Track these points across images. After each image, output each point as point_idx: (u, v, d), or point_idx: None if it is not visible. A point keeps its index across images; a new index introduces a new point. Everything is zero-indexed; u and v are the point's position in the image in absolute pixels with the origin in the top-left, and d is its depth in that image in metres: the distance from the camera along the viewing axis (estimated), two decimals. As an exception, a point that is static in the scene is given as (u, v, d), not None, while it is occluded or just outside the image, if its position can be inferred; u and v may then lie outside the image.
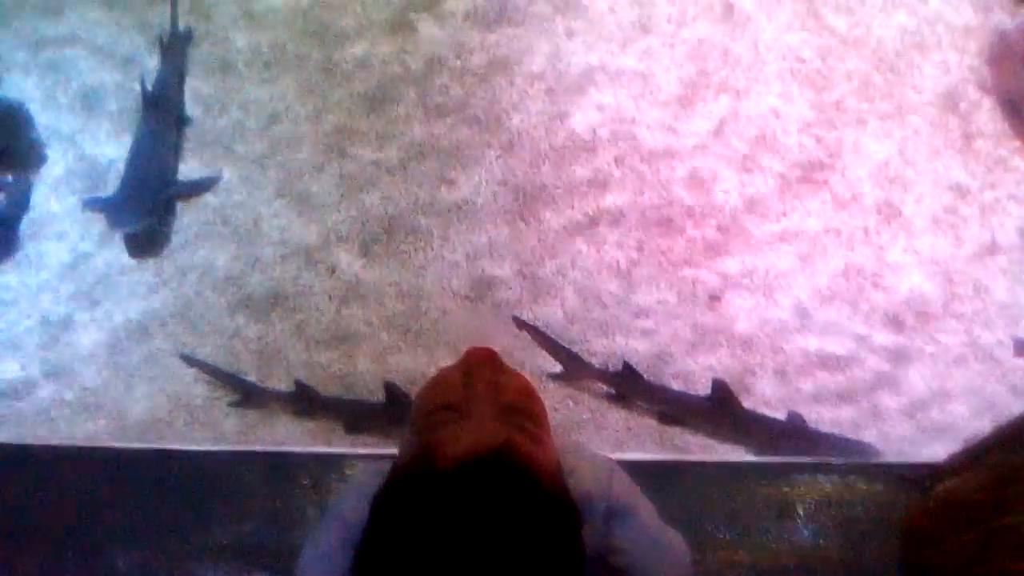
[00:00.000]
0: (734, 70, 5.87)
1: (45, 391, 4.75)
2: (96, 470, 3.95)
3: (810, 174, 5.34)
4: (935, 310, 4.71)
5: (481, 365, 1.79)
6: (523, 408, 1.70)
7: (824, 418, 4.39)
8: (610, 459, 2.12)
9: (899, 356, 4.58)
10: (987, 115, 5.45)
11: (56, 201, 5.36)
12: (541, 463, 1.58)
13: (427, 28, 6.16)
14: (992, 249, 4.91)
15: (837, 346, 4.64)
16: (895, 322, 4.69)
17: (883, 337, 4.64)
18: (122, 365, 4.80)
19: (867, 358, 4.58)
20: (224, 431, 4.59)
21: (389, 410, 4.42)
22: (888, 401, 4.43)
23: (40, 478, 3.90)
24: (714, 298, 4.89)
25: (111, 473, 3.91)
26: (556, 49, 6.07)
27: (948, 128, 5.43)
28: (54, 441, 4.39)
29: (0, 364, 4.84)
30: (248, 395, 4.68)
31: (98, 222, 5.26)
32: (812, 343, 4.67)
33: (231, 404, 4.67)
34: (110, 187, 5.42)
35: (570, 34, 6.16)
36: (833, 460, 3.76)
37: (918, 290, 4.80)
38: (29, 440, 4.42)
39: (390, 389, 4.42)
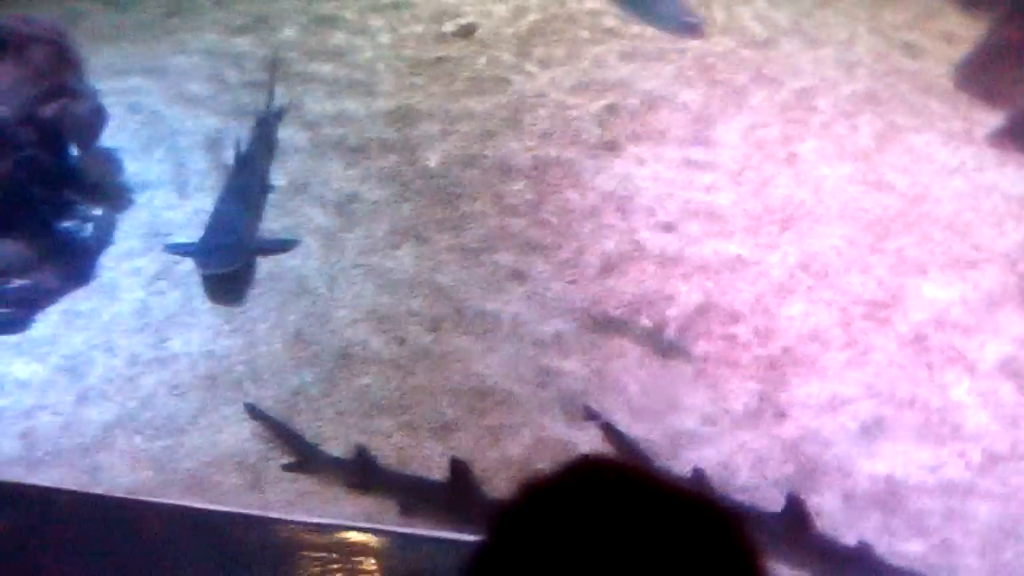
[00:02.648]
0: (798, 211, 6.13)
1: (96, 428, 4.63)
2: (138, 524, 3.82)
3: (873, 312, 5.47)
4: (1003, 450, 4.71)
5: None
6: None
7: (893, 550, 4.29)
8: None
9: (968, 492, 4.54)
10: (1043, 278, 5.66)
11: (139, 241, 5.44)
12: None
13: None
14: (1056, 400, 4.97)
15: (906, 476, 4.60)
16: (964, 458, 4.68)
17: (953, 471, 4.62)
18: (180, 410, 4.71)
19: (936, 491, 4.53)
20: (273, 496, 4.43)
21: (452, 491, 4.25)
22: (958, 538, 4.35)
23: (67, 527, 3.75)
24: (780, 415, 4.89)
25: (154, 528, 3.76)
26: (628, 173, 6.35)
27: (1007, 286, 5.61)
28: (96, 489, 4.26)
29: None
30: (305, 458, 4.54)
31: (175, 264, 5.32)
32: (879, 469, 4.63)
33: (285, 468, 4.53)
34: (188, 237, 5.53)
35: (641, 162, 6.48)
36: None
37: (984, 430, 4.81)
38: (68, 485, 4.28)
39: (457, 467, 4.24)
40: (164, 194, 5.78)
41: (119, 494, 4.21)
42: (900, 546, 4.32)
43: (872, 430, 4.82)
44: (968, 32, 7.82)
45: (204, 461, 4.50)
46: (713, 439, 4.74)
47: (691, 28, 5.55)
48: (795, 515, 4.19)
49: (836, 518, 4.44)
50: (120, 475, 4.44)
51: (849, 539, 4.24)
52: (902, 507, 4.48)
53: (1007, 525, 4.40)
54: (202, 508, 4.15)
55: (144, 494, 4.32)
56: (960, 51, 7.61)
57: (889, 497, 4.53)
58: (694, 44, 7.53)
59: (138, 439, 4.55)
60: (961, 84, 7.28)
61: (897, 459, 4.68)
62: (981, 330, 5.36)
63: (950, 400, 4.97)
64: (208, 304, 5.16)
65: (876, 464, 4.66)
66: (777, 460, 4.68)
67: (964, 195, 6.24)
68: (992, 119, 6.87)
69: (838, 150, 6.62)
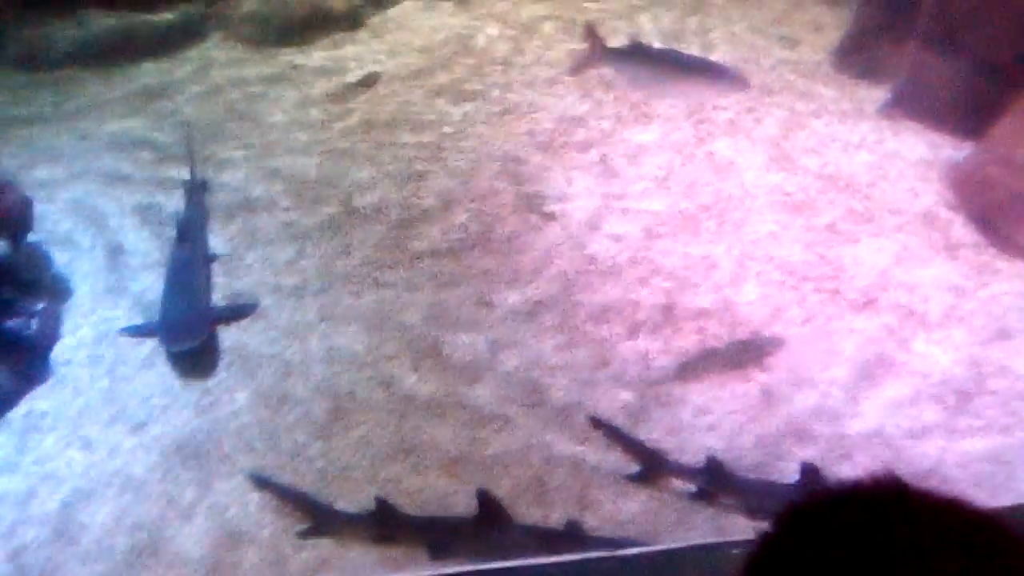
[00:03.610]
0: (729, 204, 6.42)
1: (92, 532, 4.32)
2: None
3: (821, 285, 5.77)
4: (972, 389, 5.04)
5: None
6: None
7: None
8: None
9: (951, 431, 4.84)
10: (962, 229, 6.12)
11: (89, 329, 5.15)
12: None
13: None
14: (1002, 335, 5.36)
15: (893, 428, 4.86)
16: (939, 401, 4.98)
17: (931, 415, 4.91)
18: (176, 496, 4.46)
19: (927, 435, 4.81)
20: (296, 568, 4.25)
21: (481, 524, 4.19)
22: (954, 472, 4.62)
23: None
24: (767, 394, 5.08)
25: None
26: (562, 193, 6.51)
27: (932, 241, 6.04)
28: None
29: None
30: (321, 520, 4.38)
31: (134, 347, 5.07)
32: (869, 424, 4.88)
33: (300, 534, 4.35)
34: (140, 318, 5.29)
35: (569, 181, 6.65)
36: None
37: (950, 373, 5.15)
38: None
39: (483, 498, 4.20)
40: (104, 278, 5.51)
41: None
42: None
43: (853, 391, 5.07)
44: (832, 19, 8.46)
45: (215, 544, 4.27)
46: (714, 426, 4.88)
47: (743, 82, 5.05)
48: (811, 482, 4.35)
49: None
50: (127, 576, 4.16)
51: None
52: (898, 459, 4.73)
53: (995, 454, 4.71)
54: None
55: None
56: (830, 38, 8.21)
57: (884, 449, 4.77)
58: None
59: (141, 535, 4.28)
60: (840, 67, 7.85)
61: (882, 413, 4.95)
62: (921, 284, 5.74)
63: (913, 352, 5.29)
64: (179, 381, 4.93)
65: (865, 421, 4.90)
66: (775, 435, 4.85)
67: (872, 166, 6.70)
68: (876, 95, 7.43)
69: (749, 143, 7.00)
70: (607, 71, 5.92)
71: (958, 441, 4.78)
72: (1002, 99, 6.43)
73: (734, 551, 3.24)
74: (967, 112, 6.77)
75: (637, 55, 5.01)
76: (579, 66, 5.08)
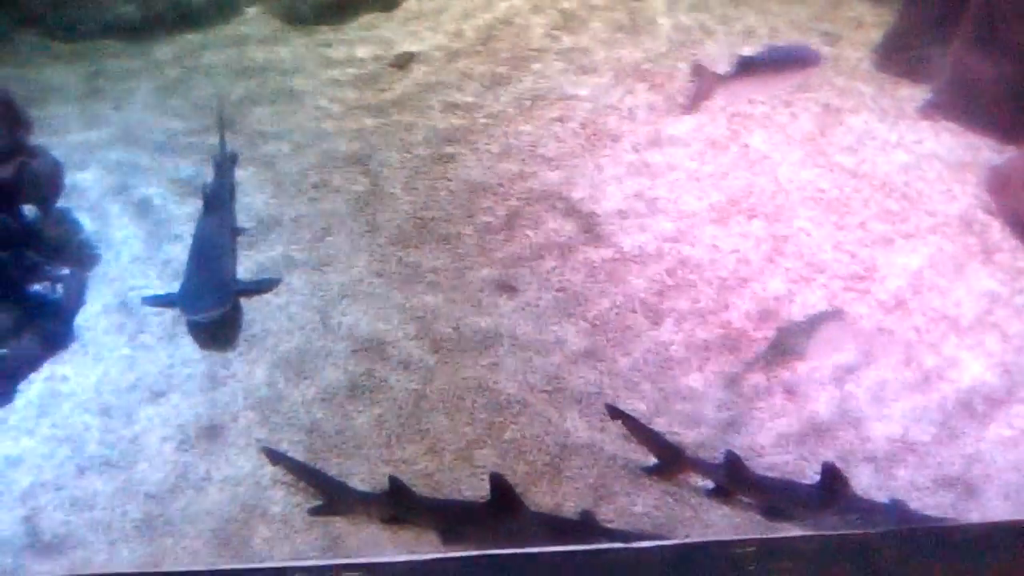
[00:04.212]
0: (760, 199, 6.32)
1: (105, 499, 4.34)
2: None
3: (852, 285, 5.66)
4: (1002, 396, 4.93)
5: None
6: None
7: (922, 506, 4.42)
8: None
9: (979, 437, 4.73)
10: (999, 234, 5.97)
11: (113, 297, 5.17)
12: None
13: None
14: (1037, 343, 5.24)
15: (919, 432, 4.76)
16: (968, 408, 4.87)
17: (959, 421, 4.80)
18: (191, 467, 4.47)
19: (952, 441, 4.71)
20: (306, 545, 4.23)
21: (495, 510, 4.14)
22: (981, 484, 4.51)
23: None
24: (789, 391, 4.99)
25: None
26: (592, 181, 6.43)
27: (968, 245, 5.90)
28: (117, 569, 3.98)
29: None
30: (333, 498, 4.36)
31: (157, 317, 5.08)
32: (894, 429, 4.78)
33: (312, 512, 4.34)
34: (163, 288, 5.30)
35: (600, 169, 6.57)
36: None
37: (980, 379, 5.03)
38: (85, 570, 4.00)
39: (497, 483, 4.14)
40: (131, 247, 5.53)
41: (145, 570, 3.94)
42: (930, 500, 4.46)
43: (880, 394, 4.97)
44: (874, 17, 8.27)
45: (226, 517, 4.28)
46: (737, 425, 4.80)
47: (819, 56, 5.23)
48: (832, 484, 4.27)
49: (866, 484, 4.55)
50: (139, 547, 4.17)
51: (879, 496, 4.36)
52: (922, 463, 4.64)
53: (1019, 465, 4.60)
54: (237, 569, 3.93)
55: (170, 564, 4.07)
56: (871, 35, 8.03)
57: (909, 453, 4.67)
58: (624, 53, 7.76)
59: (152, 504, 4.29)
60: (881, 65, 7.68)
61: (909, 417, 4.84)
62: (954, 289, 5.62)
63: (943, 356, 5.18)
64: (200, 352, 4.94)
65: (889, 426, 4.80)
66: (797, 434, 4.77)
67: (909, 166, 6.56)
68: (916, 94, 7.26)
69: (785, 138, 6.88)
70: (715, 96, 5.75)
71: (986, 450, 4.67)
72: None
73: (749, 549, 3.18)
74: (1009, 115, 6.61)
75: (744, 70, 4.94)
76: (695, 101, 5.04)
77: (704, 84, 4.93)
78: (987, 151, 6.63)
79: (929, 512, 4.31)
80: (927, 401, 4.92)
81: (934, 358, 5.17)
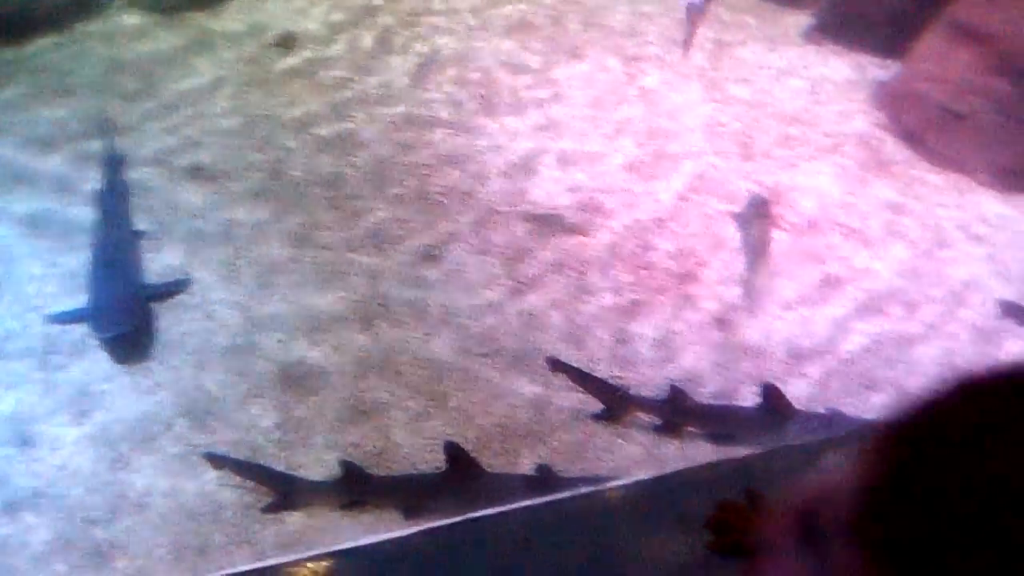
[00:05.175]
0: (664, 139, 6.38)
1: (40, 533, 4.10)
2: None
3: (764, 211, 5.79)
4: (915, 298, 5.14)
5: None
6: None
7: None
8: None
9: (901, 339, 4.93)
10: (892, 147, 6.22)
11: (13, 321, 4.86)
12: None
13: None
14: (940, 244, 5.47)
15: (847, 341, 4.94)
16: (884, 313, 5.07)
17: (884, 325, 5.00)
18: (129, 484, 4.27)
19: (879, 346, 4.90)
20: (265, 545, 4.11)
21: (453, 478, 4.11)
22: (908, 380, 4.72)
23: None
24: (720, 320, 5.09)
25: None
26: (496, 140, 6.37)
27: (866, 161, 6.12)
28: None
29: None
30: (286, 493, 4.23)
31: (64, 335, 4.81)
32: (820, 339, 4.94)
33: (265, 510, 4.21)
34: (65, 304, 5.02)
35: (502, 125, 6.51)
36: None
37: (895, 284, 5.24)
38: None
39: (452, 452, 4.12)
40: (23, 265, 5.19)
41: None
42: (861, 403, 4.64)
43: (802, 309, 5.13)
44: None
45: (179, 530, 4.11)
46: (671, 357, 4.88)
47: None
48: (772, 403, 4.39)
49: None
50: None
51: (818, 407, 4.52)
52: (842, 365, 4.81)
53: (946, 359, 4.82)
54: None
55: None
56: (750, -32, 8.17)
57: (838, 362, 4.84)
58: (507, 10, 7.68)
59: (96, 531, 4.08)
60: (762, -4, 7.83)
61: (832, 328, 5.01)
62: (858, 204, 5.82)
63: (855, 268, 5.37)
64: (118, 365, 4.70)
65: (816, 337, 4.96)
66: (733, 359, 4.88)
67: (802, 91, 6.74)
68: (800, 20, 7.45)
69: (679, 76, 6.96)
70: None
71: (907, 350, 4.88)
72: (922, 16, 6.50)
73: (705, 475, 3.23)
74: (889, 32, 6.84)
75: None
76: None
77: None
78: (873, 69, 6.87)
79: (866, 416, 4.48)
80: (849, 313, 5.10)
81: (848, 271, 5.35)
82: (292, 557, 3.36)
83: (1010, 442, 0.94)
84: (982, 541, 0.90)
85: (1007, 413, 0.97)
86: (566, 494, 3.80)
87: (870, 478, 0.97)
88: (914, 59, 6.45)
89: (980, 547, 0.90)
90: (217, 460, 4.28)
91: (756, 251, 5.35)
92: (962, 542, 0.90)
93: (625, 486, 3.56)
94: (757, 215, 5.53)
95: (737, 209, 5.67)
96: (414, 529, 4.07)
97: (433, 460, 4.34)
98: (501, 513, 3.50)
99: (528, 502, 3.59)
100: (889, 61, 6.81)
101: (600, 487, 3.59)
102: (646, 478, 3.75)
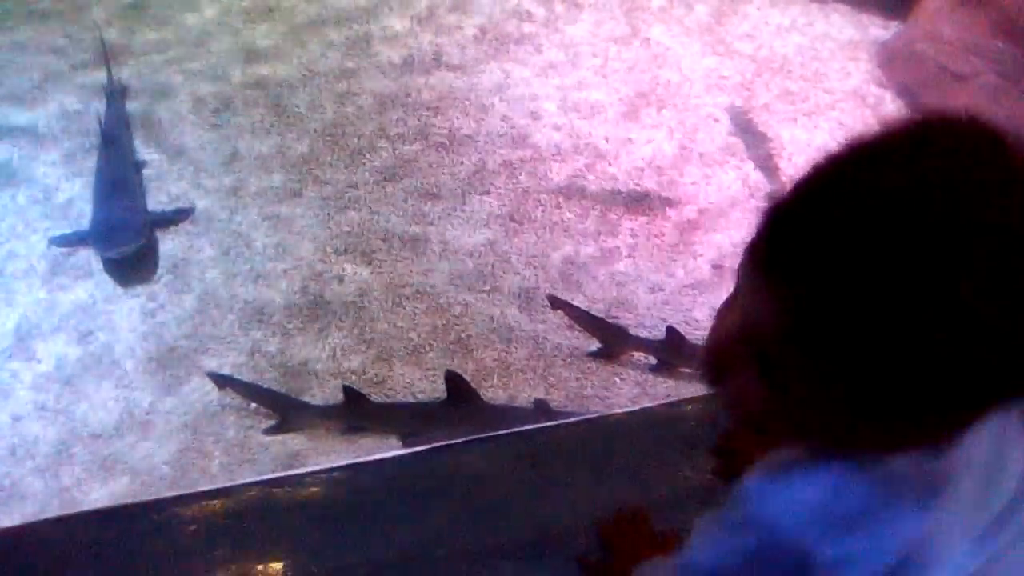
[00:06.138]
0: (667, 90, 6.42)
1: (47, 447, 4.15)
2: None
3: (763, 163, 5.86)
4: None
5: None
6: None
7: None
8: None
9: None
10: (891, 105, 6.28)
11: (17, 242, 4.87)
12: None
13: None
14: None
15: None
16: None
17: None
18: (134, 403, 4.32)
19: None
20: (265, 466, 4.17)
21: (452, 407, 4.17)
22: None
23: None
24: (716, 266, 5.18)
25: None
26: (500, 85, 6.38)
27: (864, 117, 6.18)
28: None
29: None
30: (288, 415, 4.30)
31: (68, 257, 4.83)
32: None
33: (267, 432, 4.28)
34: (70, 226, 5.03)
35: (506, 74, 6.52)
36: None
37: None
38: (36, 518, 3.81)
39: (452, 381, 4.17)
40: (27, 189, 5.19)
41: (109, 504, 3.80)
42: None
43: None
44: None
45: (179, 449, 4.17)
46: (671, 303, 4.96)
47: None
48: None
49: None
50: (91, 491, 4.02)
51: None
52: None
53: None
54: (208, 490, 3.83)
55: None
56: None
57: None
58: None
59: (99, 446, 4.14)
60: (767, -46, 7.83)
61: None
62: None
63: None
64: (122, 289, 4.72)
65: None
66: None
67: (805, 48, 6.78)
68: (805, -22, 7.46)
69: (684, 30, 6.97)
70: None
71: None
72: (926, -24, 6.55)
73: (687, 407, 3.30)
74: (892, -8, 6.88)
75: None
76: None
77: None
78: (875, 28, 6.91)
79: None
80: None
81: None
82: (293, 472, 3.43)
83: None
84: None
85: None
86: (571, 420, 3.91)
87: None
88: (916, 19, 6.50)
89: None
90: (221, 380, 4.33)
91: None
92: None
93: (631, 412, 3.64)
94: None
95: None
96: (412, 449, 4.19)
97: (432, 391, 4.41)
98: (507, 433, 3.58)
99: (531, 426, 3.67)
100: (892, 22, 6.85)
101: (606, 412, 3.69)
102: (652, 405, 3.84)
